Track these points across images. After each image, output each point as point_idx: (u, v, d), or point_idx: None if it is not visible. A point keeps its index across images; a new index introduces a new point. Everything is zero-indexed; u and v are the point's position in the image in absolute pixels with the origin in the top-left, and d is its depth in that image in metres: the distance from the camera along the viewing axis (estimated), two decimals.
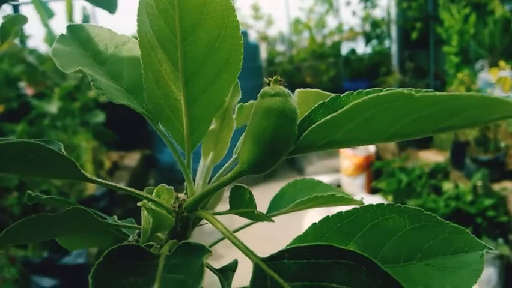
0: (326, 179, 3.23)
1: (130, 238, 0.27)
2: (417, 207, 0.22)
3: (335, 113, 0.18)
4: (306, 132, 0.20)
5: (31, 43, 3.11)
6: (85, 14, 2.60)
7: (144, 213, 0.24)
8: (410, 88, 0.21)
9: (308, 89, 0.28)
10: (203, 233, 0.27)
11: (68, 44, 0.30)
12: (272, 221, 0.25)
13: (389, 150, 3.15)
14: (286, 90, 0.21)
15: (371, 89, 0.21)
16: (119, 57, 0.30)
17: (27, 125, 2.53)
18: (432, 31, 3.65)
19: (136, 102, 0.28)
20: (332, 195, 0.28)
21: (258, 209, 0.24)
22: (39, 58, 3.03)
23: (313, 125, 0.19)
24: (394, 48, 3.83)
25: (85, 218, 0.25)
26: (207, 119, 0.25)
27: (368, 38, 4.16)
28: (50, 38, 3.02)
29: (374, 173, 2.86)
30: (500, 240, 1.95)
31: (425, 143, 2.91)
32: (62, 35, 0.31)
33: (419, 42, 3.71)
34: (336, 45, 4.40)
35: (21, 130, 2.50)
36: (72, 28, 0.32)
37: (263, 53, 4.22)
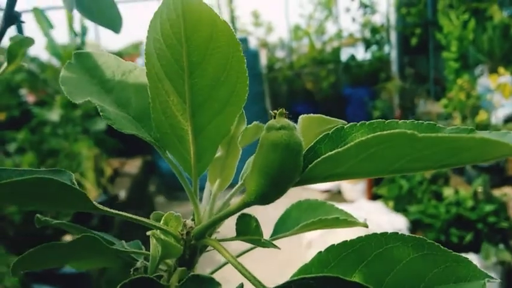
0: (327, 185, 3.23)
1: (139, 264, 0.28)
2: (420, 237, 0.23)
3: (339, 149, 0.18)
4: (311, 165, 0.20)
5: (32, 51, 3.13)
6: (83, 26, 2.61)
7: (153, 241, 0.25)
8: (411, 120, 0.22)
9: (311, 114, 0.28)
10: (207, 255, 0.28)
11: (76, 71, 0.31)
12: (278, 248, 0.25)
13: None
14: (292, 124, 0.21)
15: (374, 121, 0.22)
16: (126, 84, 0.31)
17: (29, 133, 2.54)
18: (431, 37, 3.67)
19: (143, 130, 0.29)
20: (336, 218, 0.29)
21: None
22: (40, 66, 3.04)
23: (318, 159, 0.19)
24: (394, 54, 3.85)
25: (94, 245, 0.26)
26: (213, 147, 0.26)
27: (367, 44, 4.18)
28: (51, 46, 3.02)
29: (375, 179, 2.87)
30: (501, 246, 1.95)
31: None
32: (69, 62, 0.32)
33: (419, 48, 3.72)
34: (336, 51, 4.42)
35: (22, 138, 2.51)
36: (79, 55, 0.32)
37: (263, 60, 4.24)
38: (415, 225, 2.13)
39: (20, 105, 3.06)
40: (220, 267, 0.28)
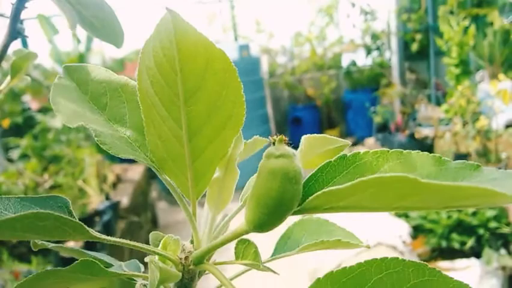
0: None
1: (137, 286, 0.27)
2: (421, 262, 0.22)
3: (340, 186, 0.18)
4: (312, 197, 0.20)
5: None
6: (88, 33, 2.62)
7: (151, 266, 0.25)
8: (416, 151, 0.22)
9: (315, 135, 0.28)
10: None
11: (66, 87, 0.30)
12: (277, 273, 0.25)
13: None
14: (291, 151, 0.21)
15: (378, 150, 0.22)
16: (120, 100, 0.30)
17: (32, 140, 2.55)
18: (432, 43, 3.68)
19: (140, 151, 0.28)
20: (338, 240, 0.28)
21: None
22: (43, 73, 3.05)
23: (319, 192, 0.19)
24: (394, 60, 3.85)
25: (93, 269, 0.25)
26: (211, 170, 0.26)
27: (368, 50, 4.19)
28: (55, 53, 3.03)
29: None
30: (503, 251, 1.94)
31: None
32: (59, 77, 0.31)
33: (419, 53, 3.73)
34: (337, 57, 4.43)
35: (26, 145, 2.52)
36: (68, 69, 0.31)
37: (265, 66, 4.25)
38: (416, 231, 2.12)
39: (23, 112, 3.07)
40: None
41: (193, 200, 0.27)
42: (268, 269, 0.25)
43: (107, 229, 2.10)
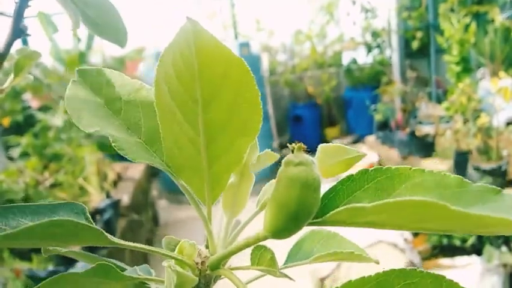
0: (330, 185, 3.22)
1: None
2: (439, 274, 0.23)
3: (368, 205, 0.18)
4: (335, 211, 0.20)
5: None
6: (89, 32, 2.61)
7: (168, 271, 0.25)
8: (437, 171, 0.22)
9: (330, 144, 0.28)
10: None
11: (81, 91, 0.30)
12: (293, 279, 0.25)
13: (392, 159, 3.16)
14: (310, 159, 0.21)
15: (400, 167, 0.22)
16: (135, 105, 0.30)
17: (33, 138, 2.55)
18: (432, 40, 3.67)
19: (156, 156, 0.29)
20: (351, 252, 0.28)
21: None
22: (44, 71, 3.05)
23: (342, 208, 0.19)
24: (395, 58, 3.85)
25: (109, 273, 0.26)
26: (227, 176, 0.26)
27: (368, 48, 4.18)
28: (55, 51, 3.02)
29: None
30: (504, 249, 1.95)
31: (428, 152, 2.91)
32: (73, 81, 0.31)
33: (420, 51, 3.73)
34: (337, 55, 4.43)
35: (26, 143, 2.52)
36: (82, 73, 0.32)
37: (265, 64, 4.24)
38: None
39: (24, 110, 3.07)
40: None
41: (209, 205, 0.27)
42: (285, 276, 0.25)
43: (108, 227, 2.10)
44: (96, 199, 2.41)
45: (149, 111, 0.31)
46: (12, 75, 0.48)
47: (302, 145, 0.22)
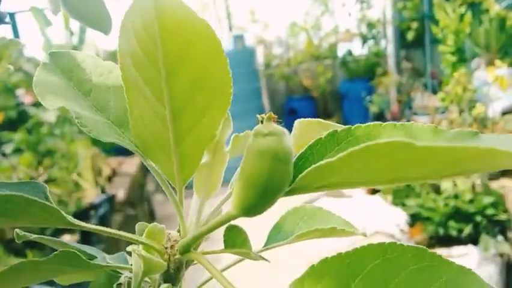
0: None
1: (122, 279, 0.26)
2: (421, 246, 0.21)
3: (331, 159, 0.17)
4: (301, 175, 0.19)
5: (29, 51, 3.10)
6: (82, 25, 2.59)
7: (134, 256, 0.23)
8: (411, 122, 0.20)
9: (309, 118, 0.27)
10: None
11: (51, 73, 0.29)
12: (268, 261, 0.24)
13: None
14: (281, 129, 0.20)
15: (370, 124, 0.20)
16: (105, 86, 0.29)
17: (26, 134, 2.52)
18: (428, 31, 3.66)
19: (124, 136, 0.27)
20: (333, 227, 0.27)
21: None
22: (37, 66, 3.01)
23: (308, 169, 0.18)
24: (390, 49, 3.83)
25: (74, 260, 0.24)
26: (198, 154, 0.24)
27: (364, 39, 4.16)
28: (48, 46, 2.99)
29: None
30: (500, 238, 1.95)
31: None
32: (44, 63, 0.30)
33: (415, 42, 3.71)
34: (333, 47, 4.40)
35: (19, 139, 2.49)
36: (54, 55, 0.30)
37: (260, 57, 4.21)
38: (414, 219, 2.12)
39: (17, 106, 3.04)
40: (206, 282, 0.27)
41: (180, 187, 0.25)
42: (260, 258, 0.23)
43: (103, 223, 2.08)
44: (91, 194, 2.39)
45: (120, 93, 0.29)
46: None
47: (272, 115, 0.20)
